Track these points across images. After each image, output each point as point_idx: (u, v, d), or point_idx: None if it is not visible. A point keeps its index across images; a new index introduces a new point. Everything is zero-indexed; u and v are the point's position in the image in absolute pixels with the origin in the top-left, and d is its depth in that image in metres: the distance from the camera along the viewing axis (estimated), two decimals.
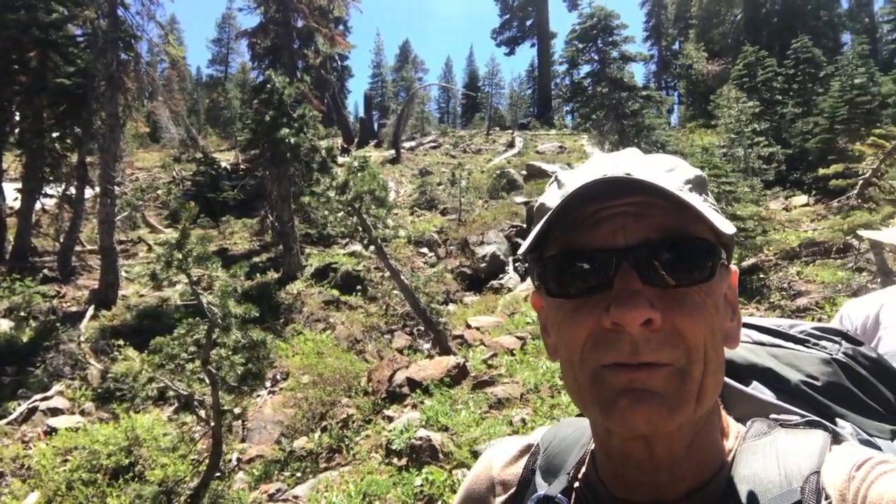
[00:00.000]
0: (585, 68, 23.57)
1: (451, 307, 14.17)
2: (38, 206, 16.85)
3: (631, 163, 0.65)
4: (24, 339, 11.87)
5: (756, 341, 0.86)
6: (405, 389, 8.19)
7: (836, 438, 0.66)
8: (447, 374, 8.00)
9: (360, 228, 10.91)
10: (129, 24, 15.70)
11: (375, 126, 39.72)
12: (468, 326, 11.66)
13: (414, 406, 7.58)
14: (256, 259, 17.07)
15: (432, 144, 34.27)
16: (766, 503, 0.60)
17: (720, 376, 0.65)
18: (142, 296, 14.37)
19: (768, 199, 17.16)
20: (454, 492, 5.09)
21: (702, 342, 0.60)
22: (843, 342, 0.85)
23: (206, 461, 7.50)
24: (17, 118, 16.85)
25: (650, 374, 0.58)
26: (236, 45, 47.30)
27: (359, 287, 14.80)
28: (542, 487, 0.75)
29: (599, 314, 0.60)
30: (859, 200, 11.80)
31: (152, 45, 19.08)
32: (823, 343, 0.85)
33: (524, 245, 0.65)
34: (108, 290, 14.11)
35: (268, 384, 10.54)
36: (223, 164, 24.79)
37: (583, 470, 0.75)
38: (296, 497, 6.44)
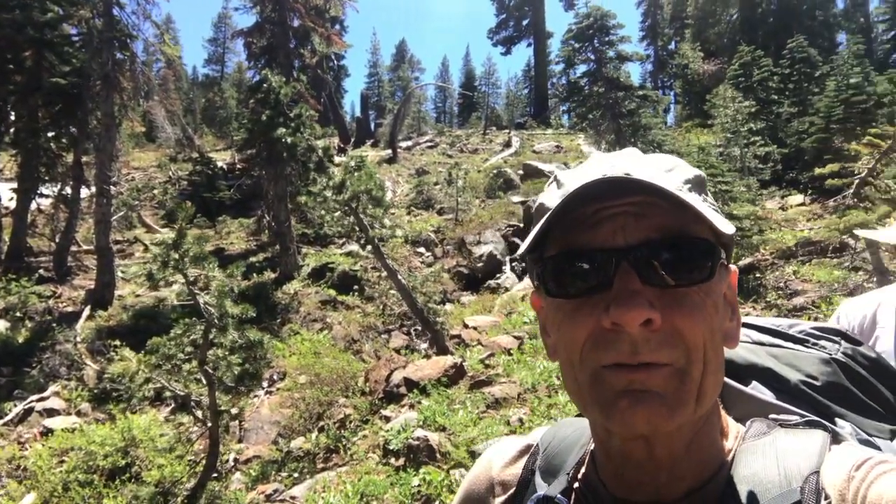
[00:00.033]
0: (582, 68, 23.62)
1: (449, 307, 14.17)
2: (33, 205, 16.81)
3: (630, 163, 0.65)
4: (20, 340, 11.84)
5: (755, 341, 0.86)
6: (402, 389, 8.18)
7: (836, 438, 0.66)
8: (444, 374, 8.00)
9: (357, 228, 10.90)
10: (124, 24, 15.68)
11: (372, 126, 39.72)
12: (465, 326, 11.66)
13: (411, 406, 7.58)
14: (253, 259, 17.05)
15: (429, 144, 34.27)
16: (765, 503, 0.60)
17: (720, 376, 0.65)
18: (138, 296, 14.34)
19: (764, 198, 17.19)
20: (452, 492, 5.10)
21: (701, 342, 0.60)
22: (843, 342, 0.85)
23: (203, 462, 7.49)
24: (13, 118, 16.80)
25: (650, 374, 0.58)
26: (232, 45, 47.25)
27: (356, 287, 14.79)
28: (542, 488, 0.75)
29: (599, 314, 0.60)
30: (855, 200, 11.83)
31: (148, 45, 19.01)
32: (823, 343, 0.85)
33: (524, 245, 0.65)
34: (104, 291, 14.08)
35: (265, 384, 10.53)
36: (219, 164, 24.75)
37: (582, 470, 0.75)
38: (293, 497, 6.43)
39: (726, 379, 0.73)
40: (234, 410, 8.39)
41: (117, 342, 10.27)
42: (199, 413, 7.76)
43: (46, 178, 16.68)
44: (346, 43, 31.18)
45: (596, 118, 22.27)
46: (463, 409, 6.83)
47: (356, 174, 10.77)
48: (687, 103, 36.98)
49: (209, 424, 7.34)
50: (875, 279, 8.94)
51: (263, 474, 7.61)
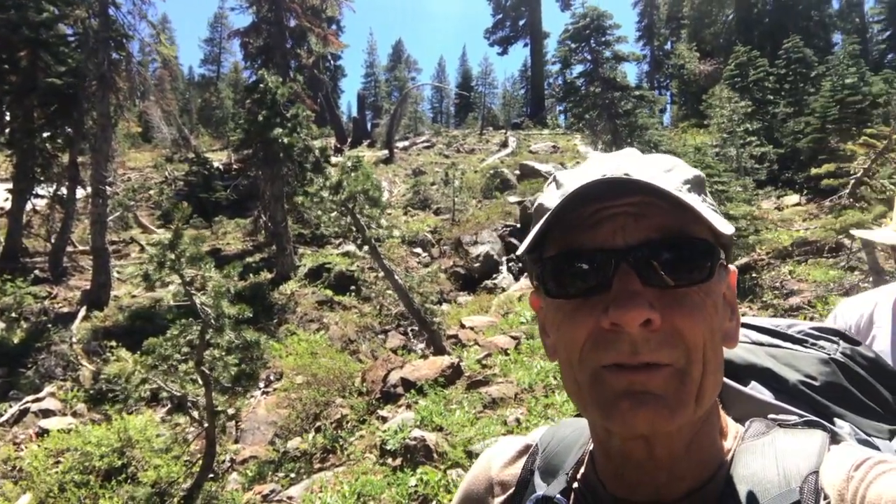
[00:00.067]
0: (578, 68, 23.62)
1: (445, 307, 14.17)
2: (28, 206, 16.75)
3: (630, 163, 0.65)
4: (16, 341, 11.80)
5: (754, 341, 0.86)
6: (399, 389, 8.17)
7: (835, 438, 0.66)
8: (441, 374, 7.99)
9: (354, 228, 10.90)
10: (120, 24, 15.64)
11: (369, 126, 39.64)
12: (462, 326, 11.66)
13: (408, 406, 7.58)
14: (249, 259, 17.03)
15: (426, 144, 34.25)
16: (765, 503, 0.60)
17: (719, 376, 0.65)
18: (134, 296, 14.30)
19: (760, 198, 17.24)
20: (449, 492, 5.10)
21: (701, 342, 0.60)
22: (841, 342, 0.85)
23: (200, 462, 7.48)
24: (8, 118, 16.72)
25: (650, 375, 0.58)
26: (228, 45, 47.11)
27: (352, 287, 14.78)
28: (541, 488, 0.75)
29: (598, 315, 0.60)
30: (851, 200, 11.87)
31: (144, 45, 18.99)
32: (821, 343, 0.85)
33: (523, 245, 0.65)
34: (100, 291, 14.04)
35: (261, 385, 10.52)
36: (216, 164, 24.70)
37: (581, 470, 0.75)
38: (290, 498, 6.43)
39: (725, 379, 0.73)
40: (230, 411, 8.37)
41: (113, 343, 10.25)
42: (195, 413, 7.75)
43: (42, 178, 16.63)
44: (342, 43, 31.19)
45: (592, 118, 22.30)
46: (460, 409, 6.83)
47: (353, 174, 10.76)
48: (683, 103, 37.08)
49: (206, 425, 7.32)
50: (871, 279, 8.97)
51: (260, 475, 7.59)
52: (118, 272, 15.23)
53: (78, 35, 16.61)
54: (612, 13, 22.18)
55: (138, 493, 7.10)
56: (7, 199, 16.59)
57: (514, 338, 9.70)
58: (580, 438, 0.79)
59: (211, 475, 7.48)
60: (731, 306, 0.68)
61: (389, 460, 6.17)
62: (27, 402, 10.02)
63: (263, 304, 13.57)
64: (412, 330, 12.95)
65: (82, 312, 13.27)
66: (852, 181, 11.84)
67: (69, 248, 16.66)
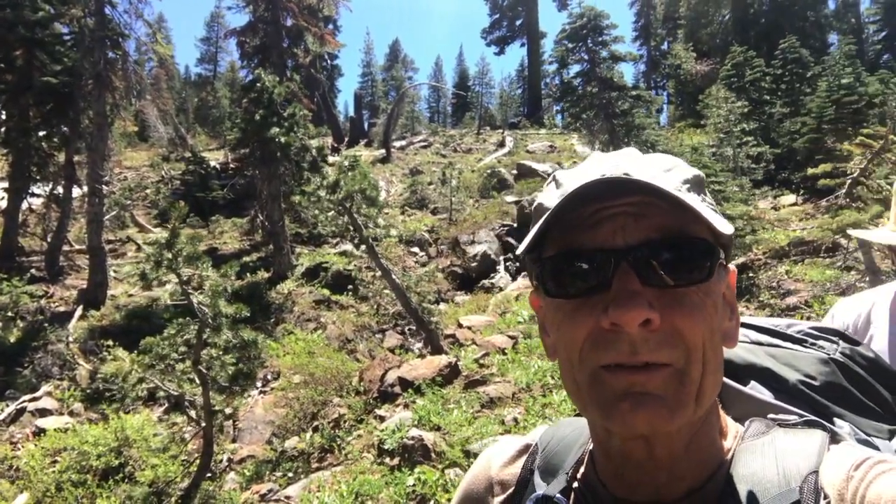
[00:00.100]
0: (575, 68, 23.60)
1: (443, 306, 14.18)
2: (24, 205, 16.70)
3: (629, 163, 0.65)
4: (12, 340, 11.78)
5: (754, 341, 0.86)
6: (397, 389, 8.17)
7: (835, 438, 0.67)
8: (439, 374, 7.99)
9: (351, 228, 10.89)
10: (116, 23, 15.61)
11: (365, 125, 39.58)
12: (459, 326, 11.66)
13: (406, 405, 7.57)
14: (246, 258, 17.01)
15: (423, 144, 34.23)
16: (765, 503, 0.60)
17: (719, 376, 0.65)
18: (131, 296, 14.28)
19: (757, 198, 17.28)
20: (446, 491, 5.10)
21: (701, 342, 0.60)
22: (841, 342, 0.85)
23: (197, 462, 7.47)
24: (3, 117, 16.67)
25: (650, 376, 0.59)
26: (225, 44, 47.11)
27: (350, 286, 14.77)
28: (541, 487, 0.75)
29: (598, 315, 0.60)
30: (847, 200, 11.89)
31: (140, 44, 18.97)
32: (821, 343, 0.85)
33: (522, 245, 0.65)
34: (96, 290, 14.01)
35: (259, 384, 10.51)
36: (212, 164, 24.65)
37: (581, 470, 0.75)
38: (287, 497, 6.42)
39: (725, 379, 0.73)
40: (228, 410, 8.34)
41: (110, 342, 10.19)
42: (192, 413, 7.74)
43: (38, 177, 16.58)
44: (339, 42, 31.18)
45: (589, 118, 22.29)
46: (457, 408, 6.83)
47: (350, 174, 10.75)
48: (680, 103, 37.13)
49: (203, 424, 7.31)
50: (867, 279, 8.99)
51: (258, 474, 7.59)
52: (115, 271, 15.21)
53: (74, 34, 16.56)
54: (609, 13, 22.16)
55: (136, 493, 7.09)
56: (3, 198, 16.53)
57: (511, 337, 9.70)
58: (580, 438, 0.79)
59: (208, 474, 7.48)
60: (731, 306, 0.68)
61: (387, 460, 6.16)
62: (24, 401, 10.01)
63: (260, 303, 13.57)
64: (409, 329, 12.95)
65: (79, 311, 13.25)
66: (849, 181, 11.86)
67: (65, 247, 16.62)
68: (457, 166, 23.07)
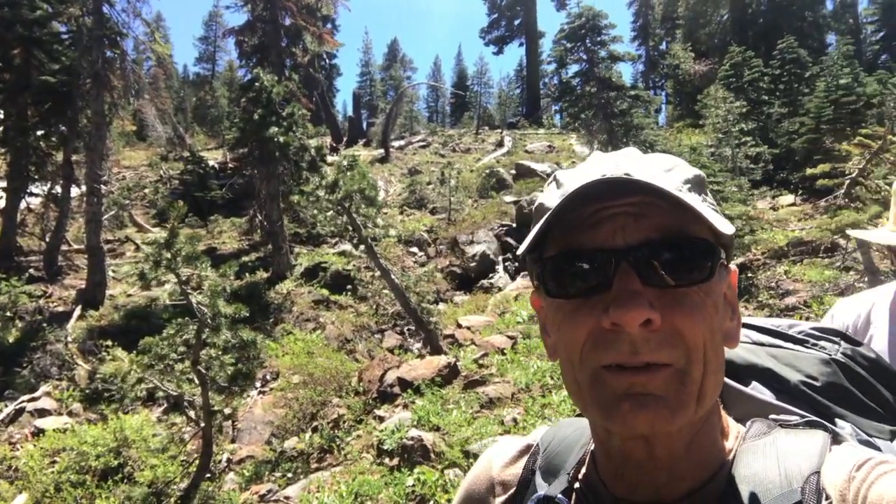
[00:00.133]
0: (574, 68, 23.60)
1: (442, 306, 14.18)
2: (23, 204, 16.67)
3: (630, 163, 0.65)
4: (10, 340, 11.76)
5: (755, 341, 0.86)
6: (396, 389, 8.17)
7: (836, 439, 0.67)
8: (438, 374, 7.99)
9: (350, 228, 10.89)
10: (114, 22, 15.60)
11: (364, 125, 39.58)
12: (459, 326, 11.66)
13: (405, 406, 7.57)
14: (245, 258, 16.99)
15: (421, 143, 34.23)
16: (766, 503, 0.60)
17: (720, 376, 0.65)
18: (129, 295, 14.26)
19: (755, 198, 17.27)
20: (446, 492, 5.10)
21: (701, 342, 0.60)
22: (842, 342, 0.85)
23: (196, 462, 7.46)
24: (1, 116, 16.65)
25: (651, 377, 0.59)
26: (223, 43, 47.07)
27: (349, 286, 14.77)
28: (542, 488, 0.75)
29: (599, 315, 0.60)
30: (846, 200, 11.90)
31: (138, 43, 18.98)
32: (822, 343, 0.85)
33: (523, 245, 0.65)
34: (95, 290, 14.00)
35: (258, 384, 10.50)
36: (211, 163, 24.62)
37: (583, 470, 0.75)
38: (287, 498, 6.42)
39: (726, 379, 0.73)
40: (227, 410, 8.34)
41: (109, 342, 10.21)
42: (191, 413, 7.73)
43: (36, 176, 16.55)
44: (337, 42, 31.12)
45: (588, 118, 22.28)
46: (457, 408, 6.83)
47: (349, 173, 10.75)
48: (678, 103, 37.15)
49: (202, 424, 7.31)
50: (866, 279, 9.00)
51: (257, 474, 7.59)
52: (113, 271, 15.20)
53: (72, 33, 16.54)
54: (608, 13, 22.17)
55: (135, 493, 7.08)
56: (1, 198, 16.51)
57: (510, 337, 9.71)
58: (581, 438, 0.79)
59: (207, 475, 7.47)
60: (732, 306, 0.68)
61: (386, 460, 6.16)
62: (23, 401, 9.99)
63: (259, 303, 13.56)
64: (409, 329, 12.94)
65: (77, 311, 13.24)
66: (847, 181, 11.87)
67: (64, 247, 16.60)
68: (455, 166, 23.07)
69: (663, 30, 48.10)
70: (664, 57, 43.16)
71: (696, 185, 0.66)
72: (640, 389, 0.59)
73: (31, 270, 15.07)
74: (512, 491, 0.80)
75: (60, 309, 13.64)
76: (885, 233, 1.77)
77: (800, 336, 0.87)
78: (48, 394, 10.39)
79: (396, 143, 33.11)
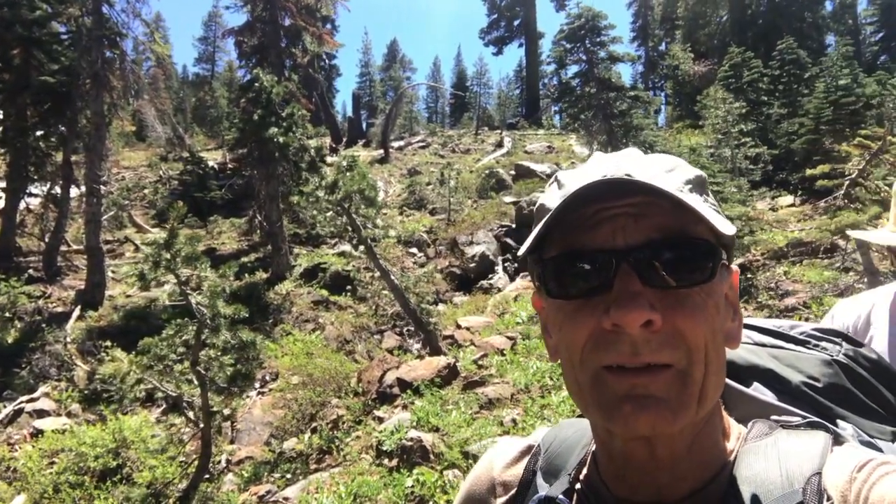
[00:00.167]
0: (573, 68, 23.60)
1: (441, 307, 14.18)
2: (22, 205, 16.67)
3: (631, 163, 0.65)
4: (10, 340, 11.76)
5: (757, 342, 0.86)
6: (395, 390, 8.17)
7: (838, 440, 0.67)
8: (438, 375, 7.98)
9: (350, 228, 10.88)
10: (114, 22, 15.60)
11: (364, 126, 39.63)
12: (458, 327, 11.66)
13: (404, 407, 7.57)
14: (245, 259, 16.99)
15: (421, 144, 34.25)
16: None
17: (721, 377, 0.65)
18: (129, 296, 14.25)
19: (755, 199, 17.28)
20: (445, 493, 5.09)
21: (702, 343, 0.60)
22: (844, 343, 0.85)
23: (195, 463, 7.46)
24: (1, 116, 16.65)
25: (652, 378, 0.58)
26: (223, 44, 47.14)
27: (348, 287, 14.76)
28: (543, 488, 0.75)
29: (599, 315, 0.60)
30: (845, 201, 11.90)
31: (138, 43, 19.00)
32: (824, 344, 0.85)
33: (524, 246, 0.65)
34: (94, 291, 13.99)
35: (257, 385, 10.49)
36: (210, 164, 24.63)
37: (584, 471, 0.75)
38: (286, 499, 6.41)
39: (728, 380, 0.73)
40: (226, 411, 8.35)
41: (108, 343, 10.21)
42: (190, 414, 7.73)
43: (35, 177, 16.56)
44: (337, 42, 31.09)
45: (588, 119, 22.27)
46: (456, 409, 6.83)
47: (348, 174, 10.74)
48: (677, 104, 37.18)
49: (201, 425, 7.30)
50: (865, 280, 8.99)
51: (256, 475, 7.58)
52: (113, 272, 15.19)
53: (71, 33, 16.55)
54: (607, 14, 22.15)
55: (133, 494, 7.08)
56: (0, 198, 16.51)
57: (510, 338, 9.71)
58: (582, 439, 0.79)
59: (206, 476, 7.46)
60: (734, 306, 0.68)
61: (386, 461, 6.16)
62: (21, 402, 9.98)
63: (259, 304, 13.55)
64: (408, 330, 12.94)
65: (77, 312, 13.23)
66: (847, 182, 11.87)
67: (63, 248, 16.60)
68: (455, 167, 23.07)
69: (663, 30, 48.16)
70: (663, 58, 43.22)
71: (698, 186, 0.66)
72: (641, 391, 0.59)
73: (31, 271, 15.07)
74: (513, 492, 0.80)
75: (59, 309, 13.63)
76: (886, 233, 1.76)
77: (801, 337, 0.87)
78: (47, 394, 10.38)
79: (396, 144, 33.13)
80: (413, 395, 7.65)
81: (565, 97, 24.28)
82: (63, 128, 16.50)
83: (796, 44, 25.32)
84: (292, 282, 15.12)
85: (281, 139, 15.33)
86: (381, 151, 29.79)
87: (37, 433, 9.15)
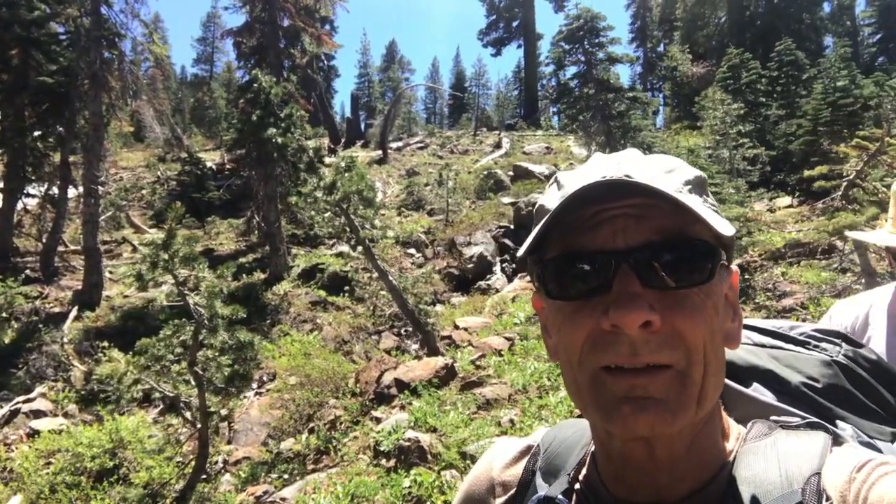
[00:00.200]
0: (572, 69, 23.59)
1: (439, 308, 14.17)
2: (19, 205, 16.65)
3: (631, 164, 0.65)
4: (6, 341, 11.73)
5: (756, 343, 0.87)
6: (393, 390, 8.17)
7: (837, 440, 0.67)
8: (435, 375, 7.99)
9: (348, 229, 10.87)
10: (112, 22, 15.59)
11: (362, 126, 39.66)
12: (456, 327, 11.66)
13: (402, 407, 7.56)
14: (243, 259, 16.99)
15: (419, 145, 34.25)
16: None
17: (721, 378, 0.65)
18: (126, 297, 14.24)
19: (753, 200, 17.28)
20: (443, 493, 5.09)
21: (702, 343, 0.60)
22: (844, 344, 0.86)
23: (192, 463, 7.45)
24: None
25: (651, 379, 0.58)
26: (221, 44, 47.09)
27: (346, 288, 14.76)
28: (543, 489, 0.75)
29: (598, 316, 0.60)
30: (843, 202, 11.91)
31: (136, 44, 18.98)
32: (824, 345, 0.86)
33: (524, 246, 0.65)
34: (91, 291, 13.97)
35: (254, 385, 10.48)
36: (208, 164, 24.62)
37: (583, 471, 0.75)
38: (283, 499, 6.40)
39: (727, 380, 0.73)
40: (223, 412, 8.34)
41: (105, 343, 10.21)
42: (188, 414, 7.71)
43: (33, 177, 16.54)
44: (336, 43, 31.09)
45: (586, 120, 22.28)
46: (454, 410, 6.83)
47: (347, 175, 10.74)
48: (676, 105, 37.21)
49: (198, 426, 7.30)
50: (863, 281, 9.01)
51: (253, 476, 7.57)
52: (110, 272, 15.17)
53: (70, 33, 16.53)
54: (606, 15, 22.15)
55: (130, 495, 7.07)
56: None
57: (507, 339, 9.72)
58: (582, 439, 0.79)
59: (203, 476, 7.45)
60: (733, 307, 0.68)
61: (383, 461, 6.15)
62: (18, 402, 9.96)
63: (257, 304, 13.54)
64: (406, 331, 12.94)
65: (74, 312, 13.21)
66: (844, 183, 11.88)
67: (60, 248, 16.58)
68: (453, 167, 23.10)
69: (661, 32, 48.21)
70: (662, 59, 43.29)
71: (697, 187, 0.66)
72: (640, 392, 0.58)
73: (28, 271, 15.04)
74: (512, 492, 0.80)
75: (57, 310, 13.60)
76: (883, 234, 1.77)
77: (801, 338, 0.87)
78: (44, 395, 10.36)
79: (394, 145, 33.13)
80: (411, 396, 7.64)
81: (564, 98, 24.28)
82: (61, 128, 16.49)
83: (794, 45, 25.35)
84: (290, 282, 15.11)
85: (279, 140, 15.33)
86: (380, 152, 29.80)
87: (33, 433, 9.13)
